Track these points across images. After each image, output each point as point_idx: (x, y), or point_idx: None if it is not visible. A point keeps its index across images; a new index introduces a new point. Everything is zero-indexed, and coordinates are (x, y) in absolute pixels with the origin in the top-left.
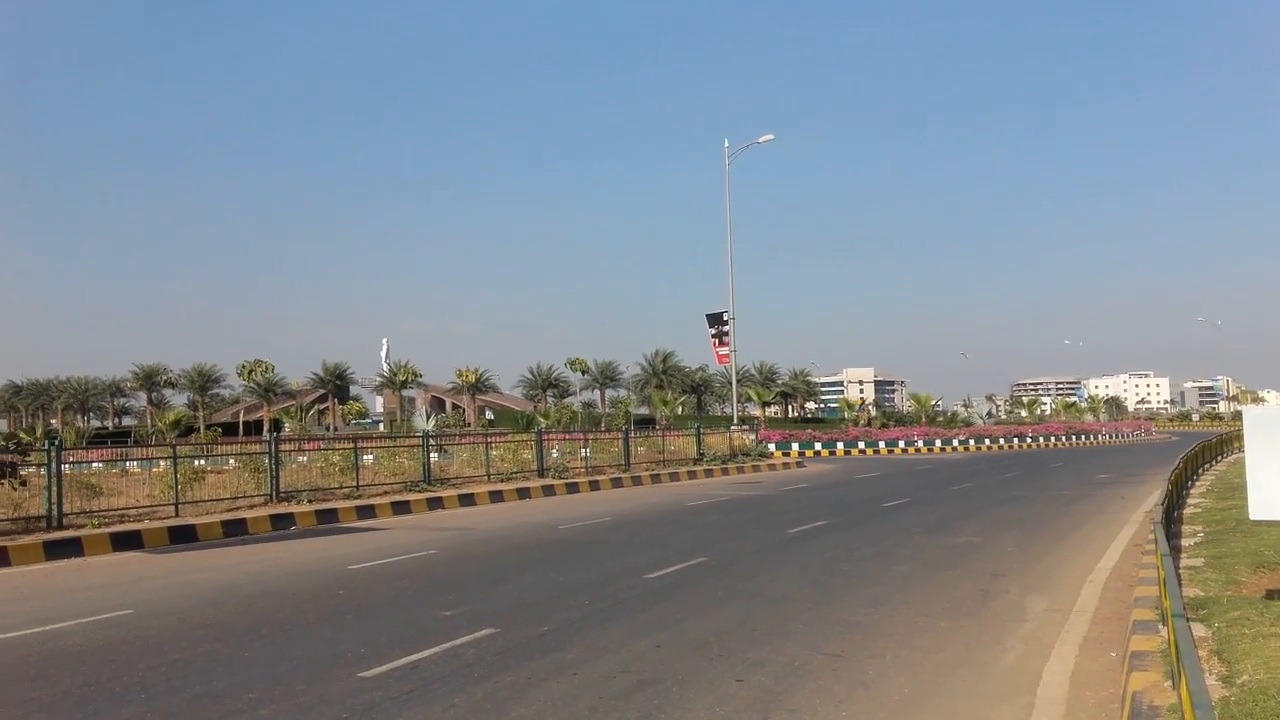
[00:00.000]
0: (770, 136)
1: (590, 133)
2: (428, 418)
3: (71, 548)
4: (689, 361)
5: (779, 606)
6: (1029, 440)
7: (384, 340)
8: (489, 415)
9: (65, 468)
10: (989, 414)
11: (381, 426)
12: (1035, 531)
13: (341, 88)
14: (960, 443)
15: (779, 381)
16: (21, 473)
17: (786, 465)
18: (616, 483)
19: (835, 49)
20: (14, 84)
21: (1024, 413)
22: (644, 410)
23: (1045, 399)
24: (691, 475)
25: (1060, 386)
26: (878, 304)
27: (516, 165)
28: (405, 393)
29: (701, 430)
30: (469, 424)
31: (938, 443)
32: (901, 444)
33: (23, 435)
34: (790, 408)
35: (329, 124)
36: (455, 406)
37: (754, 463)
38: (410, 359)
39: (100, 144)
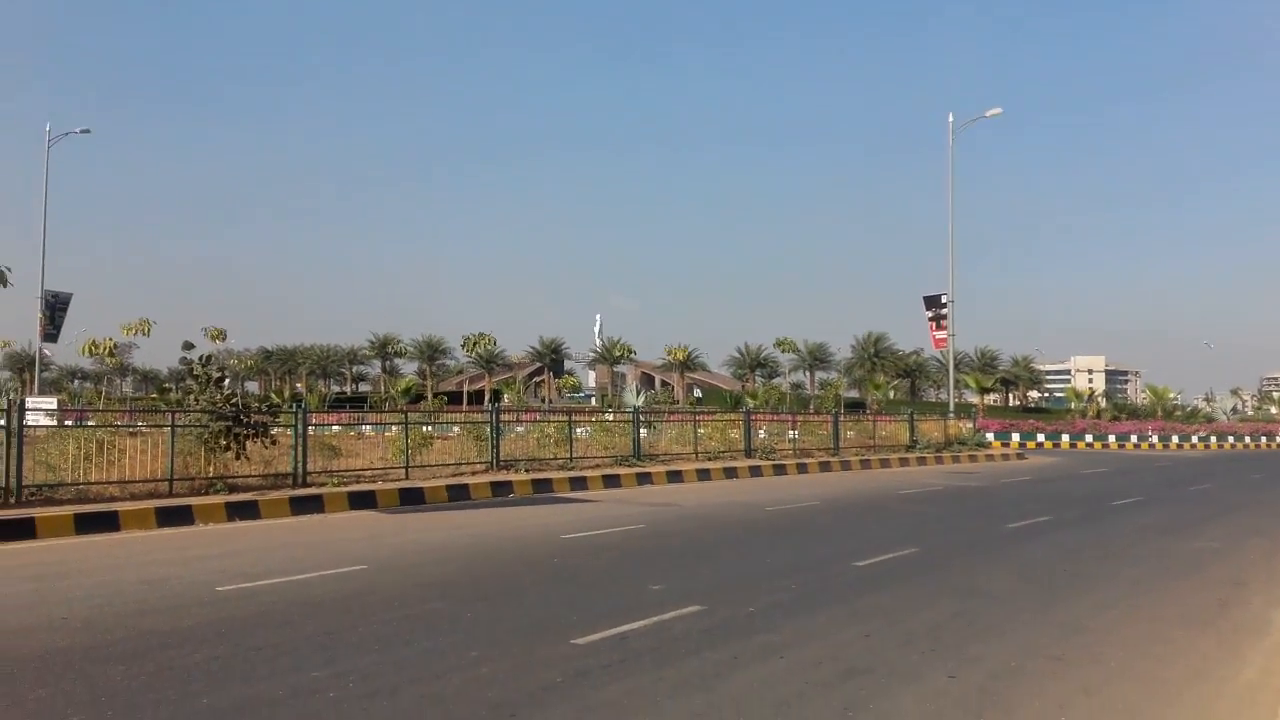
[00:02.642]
0: (998, 110)
1: (805, 104)
2: (637, 393)
3: (313, 504)
4: (902, 344)
5: (996, 604)
6: (1279, 439)
7: (598, 316)
8: (697, 393)
9: (309, 429)
10: (1234, 410)
11: (593, 401)
12: None
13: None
14: (1200, 439)
15: (999, 368)
16: (272, 432)
17: (1006, 456)
18: (824, 467)
19: (1065, 20)
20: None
21: (1274, 409)
22: (854, 394)
23: None
24: (903, 463)
25: None
26: (1111, 288)
27: (727, 141)
28: (617, 368)
29: (915, 416)
30: (677, 401)
31: (1174, 438)
32: (1134, 438)
33: (273, 397)
34: (1011, 396)
35: (553, 111)
36: (664, 383)
37: (970, 452)
38: (622, 335)
39: (335, 122)
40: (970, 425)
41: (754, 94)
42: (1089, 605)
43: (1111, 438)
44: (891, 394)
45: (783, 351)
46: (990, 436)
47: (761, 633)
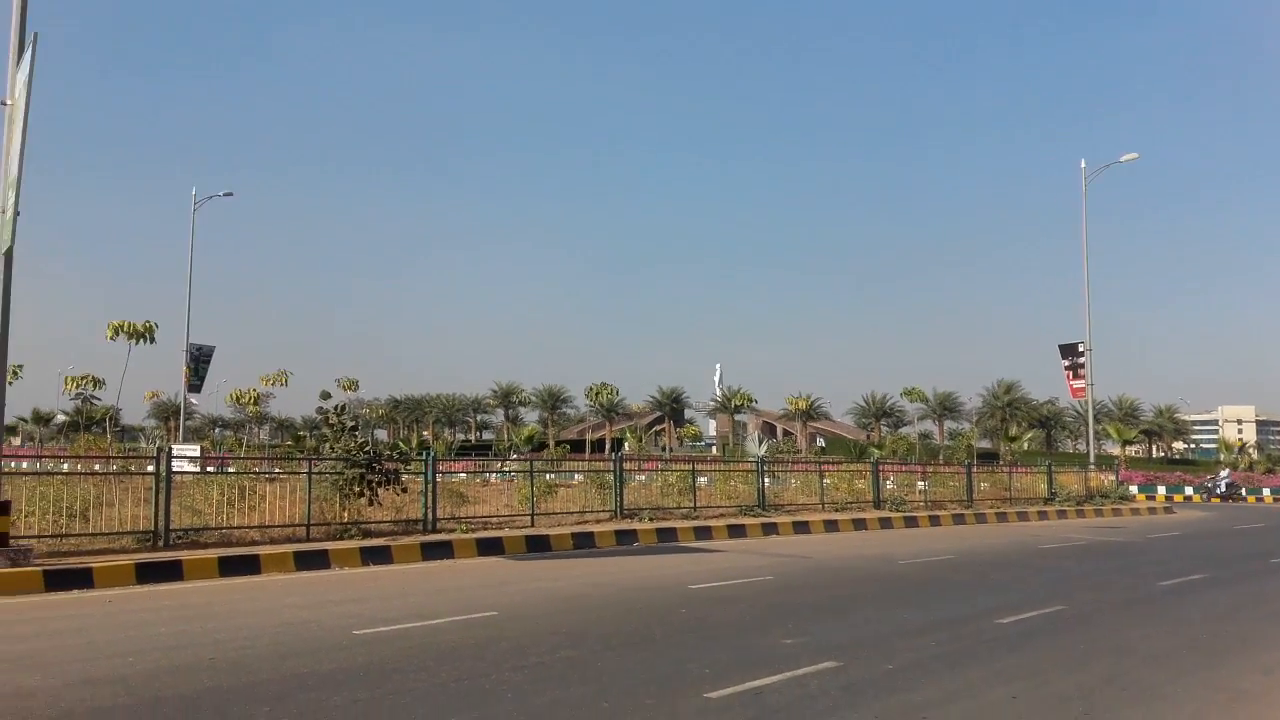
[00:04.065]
0: (1134, 155)
1: (937, 145)
2: (759, 443)
3: (443, 550)
4: (1036, 393)
5: (1152, 666)
6: None
7: (718, 365)
8: (820, 442)
9: (437, 477)
10: None
11: (714, 450)
12: None
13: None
14: None
15: (1141, 418)
16: (402, 479)
17: (1152, 510)
18: (958, 519)
19: (1204, 53)
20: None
21: None
22: (985, 444)
23: None
24: (1041, 516)
25: None
26: (1261, 336)
27: (851, 187)
28: (737, 417)
29: (1053, 468)
30: (800, 450)
31: None
32: None
33: (402, 445)
34: (1154, 447)
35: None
36: (786, 433)
37: (1113, 506)
38: (742, 384)
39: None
40: (1113, 478)
41: (881, 138)
42: (1255, 667)
43: (1266, 491)
44: (1026, 445)
45: (910, 401)
46: (1134, 489)
47: (901, 692)
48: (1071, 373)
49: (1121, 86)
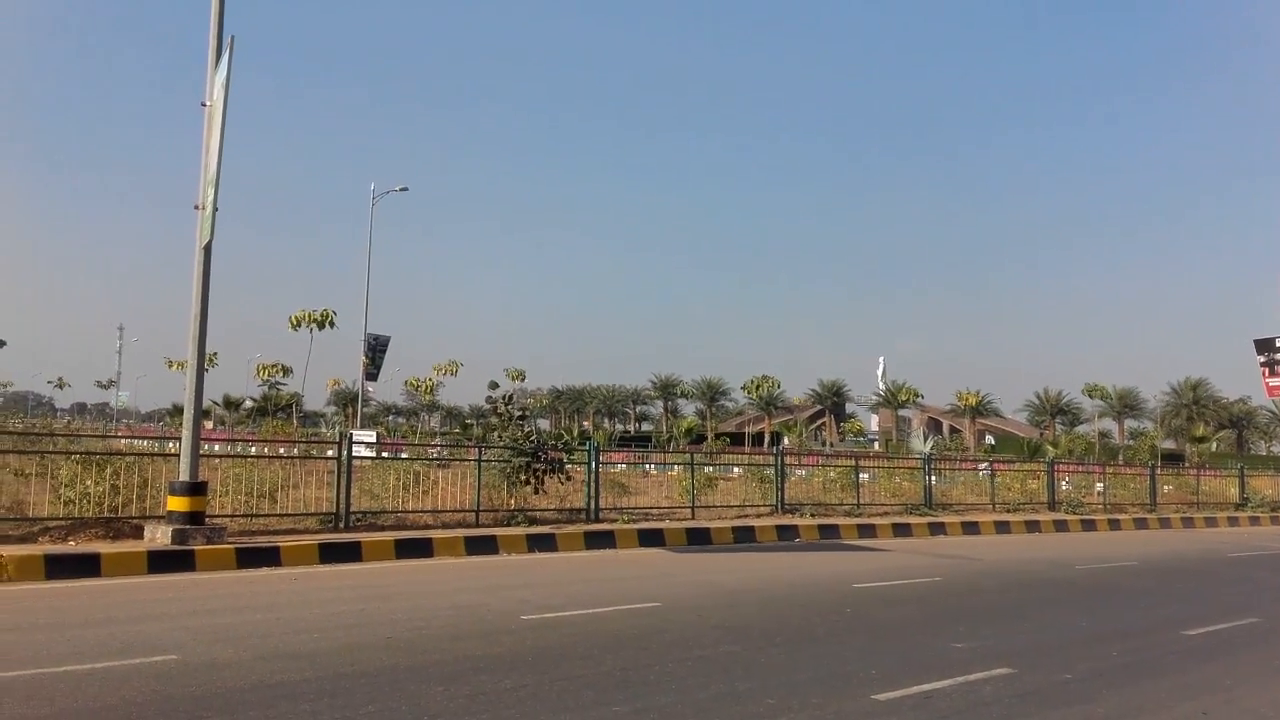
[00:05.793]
0: None
1: (1117, 127)
2: (924, 439)
3: (605, 539)
4: (1227, 391)
5: None
6: None
7: (880, 359)
8: (989, 440)
9: (599, 467)
10: None
11: (877, 445)
12: None
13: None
14: None
15: None
16: (566, 468)
17: None
18: (1140, 523)
19: None
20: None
21: None
22: (1170, 444)
23: None
24: (1232, 522)
25: None
26: None
27: (1018, 174)
28: (901, 413)
29: (1245, 471)
30: (968, 448)
31: None
32: None
33: (565, 435)
34: None
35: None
36: (953, 429)
37: None
38: (906, 378)
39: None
40: None
41: (1049, 114)
42: None
43: None
44: (1215, 445)
45: (1091, 398)
46: None
47: (1080, 703)
48: (1268, 369)
49: None
